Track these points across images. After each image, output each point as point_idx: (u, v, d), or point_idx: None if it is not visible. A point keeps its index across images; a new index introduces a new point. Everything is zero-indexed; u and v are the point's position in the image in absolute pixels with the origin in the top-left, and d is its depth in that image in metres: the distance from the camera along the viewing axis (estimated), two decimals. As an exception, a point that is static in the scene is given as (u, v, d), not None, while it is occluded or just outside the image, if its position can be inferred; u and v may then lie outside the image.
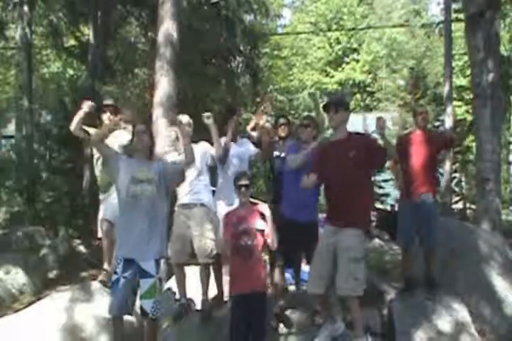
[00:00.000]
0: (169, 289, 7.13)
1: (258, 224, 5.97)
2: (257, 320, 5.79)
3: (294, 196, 6.57)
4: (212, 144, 6.95)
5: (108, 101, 7.81)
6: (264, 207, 6.14)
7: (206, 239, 6.59)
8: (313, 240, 6.34)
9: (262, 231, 5.96)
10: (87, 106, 6.45)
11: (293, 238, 6.30)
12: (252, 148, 7.28)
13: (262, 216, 6.04)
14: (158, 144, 8.03)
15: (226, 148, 6.87)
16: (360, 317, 5.75)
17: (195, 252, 6.67)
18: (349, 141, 5.88)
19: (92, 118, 7.33)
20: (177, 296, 6.97)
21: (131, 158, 5.83)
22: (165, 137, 8.66)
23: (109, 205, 7.03)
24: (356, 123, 6.17)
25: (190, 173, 6.63)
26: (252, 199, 6.30)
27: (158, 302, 5.49)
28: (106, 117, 7.44)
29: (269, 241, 5.98)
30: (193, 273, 6.89)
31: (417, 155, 7.20)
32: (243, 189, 6.06)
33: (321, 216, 6.80)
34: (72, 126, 6.90)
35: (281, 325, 6.52)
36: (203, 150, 6.81)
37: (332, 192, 6.05)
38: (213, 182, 7.15)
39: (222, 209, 6.87)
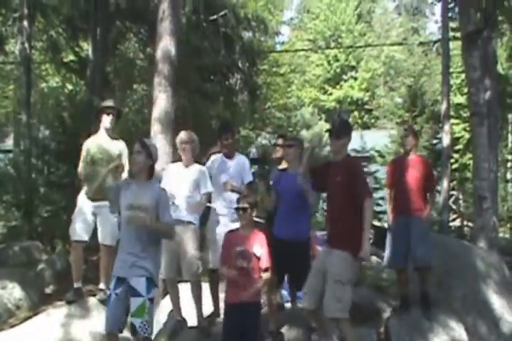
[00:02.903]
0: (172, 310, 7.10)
1: (255, 248, 5.98)
2: (249, 331, 5.78)
3: (283, 215, 6.62)
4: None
5: (109, 103, 7.54)
6: (262, 236, 6.14)
7: (192, 257, 6.60)
8: (300, 259, 6.37)
9: (258, 258, 5.98)
10: None
11: (280, 256, 6.28)
12: (247, 171, 7.28)
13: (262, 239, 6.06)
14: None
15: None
16: (354, 338, 5.75)
17: (181, 269, 6.68)
18: (341, 165, 5.96)
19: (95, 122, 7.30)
20: (172, 313, 6.94)
21: (132, 181, 5.73)
22: (162, 154, 8.66)
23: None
24: (354, 140, 6.21)
25: (183, 190, 6.65)
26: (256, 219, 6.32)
27: (147, 322, 5.41)
28: (108, 120, 7.21)
29: (261, 265, 5.98)
30: (188, 288, 6.87)
31: (409, 176, 7.27)
32: (241, 212, 6.08)
33: (320, 234, 6.83)
34: (81, 171, 7.08)
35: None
36: (199, 174, 6.83)
37: (327, 210, 6.27)
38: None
39: (217, 228, 6.91)
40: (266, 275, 5.99)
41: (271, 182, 7.21)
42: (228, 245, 6.06)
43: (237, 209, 6.11)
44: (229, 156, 7.17)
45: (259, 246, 5.98)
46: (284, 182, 6.74)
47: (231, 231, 6.29)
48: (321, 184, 6.11)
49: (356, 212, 5.89)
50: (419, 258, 7.00)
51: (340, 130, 6.16)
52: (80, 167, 7.31)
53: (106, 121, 7.19)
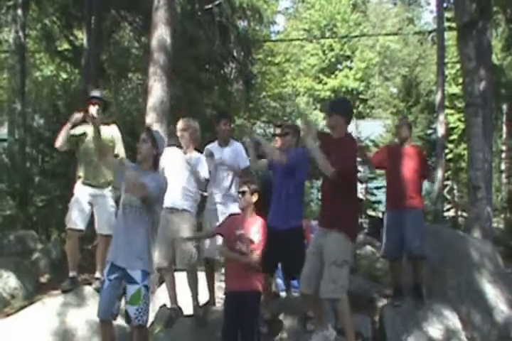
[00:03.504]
0: (164, 305, 7.11)
1: (252, 233, 5.99)
2: (247, 319, 5.80)
3: (276, 203, 6.62)
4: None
5: (96, 93, 7.38)
6: (261, 222, 6.15)
7: (188, 246, 6.59)
8: (293, 247, 6.38)
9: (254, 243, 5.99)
10: (75, 117, 6.51)
11: (274, 244, 6.27)
12: (243, 157, 7.27)
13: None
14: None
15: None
16: (350, 323, 5.75)
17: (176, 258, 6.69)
18: (338, 142, 5.91)
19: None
20: (168, 302, 6.95)
21: (137, 166, 5.69)
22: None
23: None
24: (348, 130, 6.17)
25: (180, 177, 6.65)
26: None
27: (142, 309, 5.38)
28: (94, 111, 6.94)
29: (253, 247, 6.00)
30: (183, 277, 6.88)
31: (403, 166, 7.27)
32: (240, 195, 6.12)
33: (315, 223, 6.83)
34: (59, 143, 6.94)
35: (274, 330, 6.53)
36: (196, 160, 6.79)
37: (321, 190, 6.23)
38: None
39: (213, 215, 6.93)
40: (255, 257, 5.99)
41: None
42: (229, 227, 6.09)
43: (238, 192, 6.15)
44: (224, 143, 7.18)
45: (256, 231, 5.99)
46: (279, 168, 6.74)
47: (233, 215, 6.36)
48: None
49: (350, 191, 5.90)
50: (414, 248, 7.01)
51: (333, 106, 6.20)
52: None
53: (93, 111, 7.13)
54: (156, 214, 5.63)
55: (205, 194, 7.19)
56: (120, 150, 7.27)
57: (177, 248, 6.60)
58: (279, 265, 6.81)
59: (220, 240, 6.59)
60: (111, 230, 6.71)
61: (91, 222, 7.23)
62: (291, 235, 6.51)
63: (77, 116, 6.97)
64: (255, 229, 6.02)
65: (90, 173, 7.16)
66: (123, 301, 5.53)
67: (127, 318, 5.48)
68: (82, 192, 7.16)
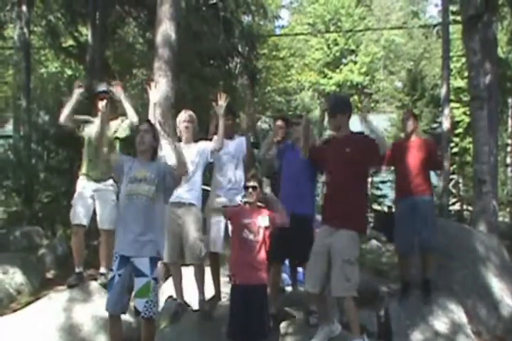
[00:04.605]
0: (170, 296, 7.11)
1: (261, 221, 5.97)
2: (256, 312, 5.79)
3: (288, 190, 6.65)
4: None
5: (102, 88, 7.42)
6: (268, 212, 6.15)
7: (195, 240, 6.58)
8: (302, 234, 6.39)
9: (265, 229, 5.96)
10: (77, 93, 6.51)
11: (283, 233, 6.25)
12: (244, 146, 7.25)
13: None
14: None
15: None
16: (356, 319, 5.77)
17: (184, 252, 6.68)
18: (348, 138, 5.96)
19: (87, 107, 7.31)
20: (174, 296, 6.96)
21: (135, 158, 5.76)
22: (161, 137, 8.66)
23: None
24: (353, 124, 6.20)
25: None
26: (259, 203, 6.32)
27: (152, 302, 5.42)
28: (102, 105, 7.00)
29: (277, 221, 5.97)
30: (191, 272, 6.89)
31: (411, 159, 7.26)
32: (250, 190, 6.08)
33: (318, 217, 6.83)
34: (62, 117, 6.96)
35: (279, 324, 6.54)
36: (202, 148, 6.79)
37: (328, 188, 6.19)
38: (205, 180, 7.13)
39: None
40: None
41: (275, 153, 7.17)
42: (236, 217, 6.05)
43: (246, 187, 6.13)
44: (229, 137, 7.17)
45: (265, 218, 5.97)
46: (289, 156, 6.78)
47: (239, 205, 6.37)
48: (319, 159, 6.13)
49: (359, 189, 5.93)
50: (425, 239, 7.01)
51: (334, 108, 6.20)
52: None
53: (100, 105, 7.18)
54: (166, 202, 5.83)
55: (208, 188, 7.18)
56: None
57: (186, 242, 6.59)
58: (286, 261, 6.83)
59: (222, 233, 6.65)
60: (112, 225, 6.73)
61: (94, 217, 7.25)
62: (303, 222, 6.55)
63: (79, 90, 7.03)
64: (264, 217, 5.98)
65: (93, 166, 7.18)
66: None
67: (136, 311, 5.50)
68: (84, 188, 7.18)
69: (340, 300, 5.95)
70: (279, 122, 7.44)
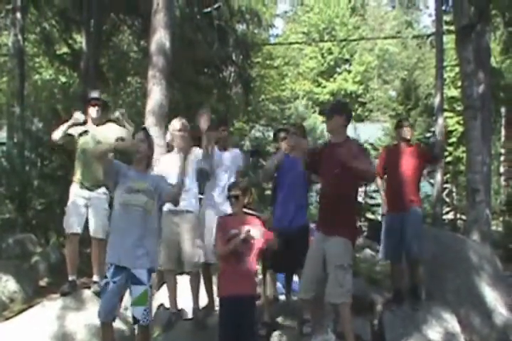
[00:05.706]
0: (162, 305, 7.10)
1: (251, 230, 5.94)
2: (246, 323, 5.77)
3: (287, 202, 6.68)
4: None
5: (94, 95, 7.53)
6: (257, 220, 6.13)
7: (194, 247, 6.58)
8: (300, 244, 6.39)
9: (254, 239, 5.93)
10: (76, 116, 6.52)
11: (283, 242, 6.26)
12: (240, 159, 7.27)
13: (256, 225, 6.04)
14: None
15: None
16: (350, 327, 5.76)
17: (182, 260, 6.67)
18: (342, 146, 5.94)
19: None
20: (167, 305, 6.94)
21: (129, 167, 5.76)
22: (156, 146, 8.65)
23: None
24: (347, 133, 6.22)
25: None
26: (246, 210, 6.30)
27: (149, 309, 5.45)
28: (94, 111, 7.23)
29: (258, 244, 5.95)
30: (184, 281, 6.88)
31: (403, 167, 7.28)
32: (233, 200, 6.08)
33: (313, 225, 6.85)
34: (57, 135, 6.98)
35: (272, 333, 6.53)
36: (196, 157, 6.80)
37: (321, 196, 6.22)
38: (200, 189, 7.13)
39: (211, 217, 6.87)
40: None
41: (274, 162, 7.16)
42: (222, 228, 6.01)
43: (229, 197, 6.11)
44: (223, 148, 7.17)
45: (255, 229, 5.94)
46: (286, 166, 6.78)
47: (223, 216, 6.27)
48: (313, 165, 6.15)
49: (351, 196, 5.95)
50: (412, 253, 7.03)
51: (331, 109, 6.22)
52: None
53: (92, 112, 7.24)
54: (160, 212, 5.83)
55: (201, 196, 7.18)
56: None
57: (183, 250, 6.59)
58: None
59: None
60: (105, 234, 6.72)
61: (87, 226, 7.23)
62: (301, 232, 6.63)
63: (77, 116, 7.05)
64: (254, 227, 5.96)
65: (87, 174, 7.17)
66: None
67: (134, 319, 5.48)
68: (77, 195, 7.17)
69: (336, 308, 5.93)
70: (282, 134, 7.38)
